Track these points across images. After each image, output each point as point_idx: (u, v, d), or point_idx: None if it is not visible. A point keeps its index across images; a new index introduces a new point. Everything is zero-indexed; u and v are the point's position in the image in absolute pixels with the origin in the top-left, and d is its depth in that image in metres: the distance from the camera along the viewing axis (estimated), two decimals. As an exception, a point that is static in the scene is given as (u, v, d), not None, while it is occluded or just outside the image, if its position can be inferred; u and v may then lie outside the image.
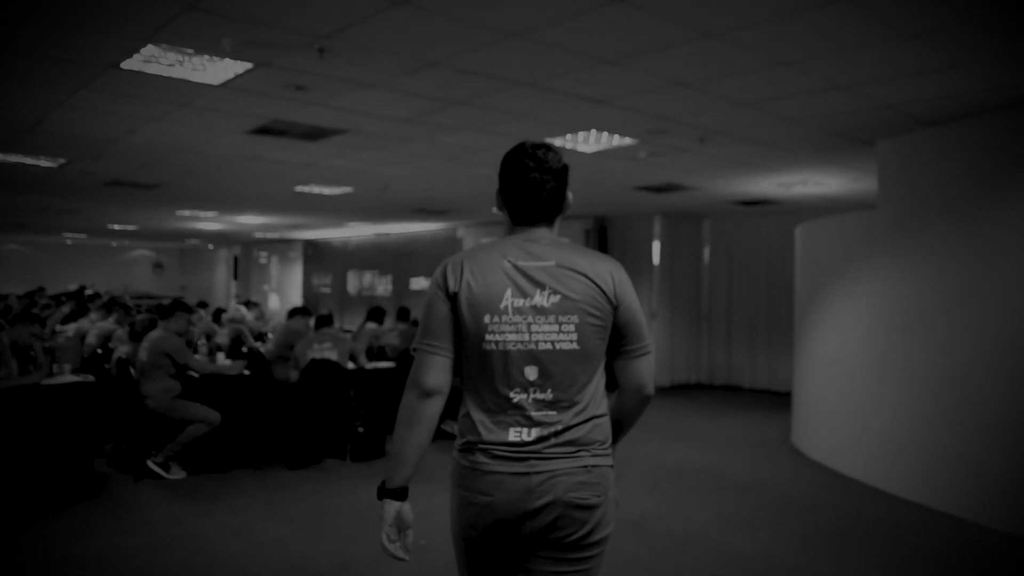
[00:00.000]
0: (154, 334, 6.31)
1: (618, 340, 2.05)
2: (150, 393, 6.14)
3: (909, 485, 5.97)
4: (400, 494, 2.01)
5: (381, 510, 2.02)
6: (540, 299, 1.96)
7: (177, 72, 4.67)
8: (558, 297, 1.96)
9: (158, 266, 27.10)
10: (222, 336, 8.57)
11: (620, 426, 2.13)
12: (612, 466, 2.04)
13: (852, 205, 10.05)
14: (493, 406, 1.97)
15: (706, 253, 13.05)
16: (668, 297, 12.46)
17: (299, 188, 10.00)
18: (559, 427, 1.95)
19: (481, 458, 1.95)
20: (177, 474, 6.18)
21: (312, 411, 6.69)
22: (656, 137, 6.43)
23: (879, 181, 6.47)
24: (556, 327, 1.95)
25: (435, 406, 2.00)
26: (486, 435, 1.96)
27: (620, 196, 10.16)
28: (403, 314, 8.95)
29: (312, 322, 7.39)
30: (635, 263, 12.65)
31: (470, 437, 1.99)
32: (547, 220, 2.11)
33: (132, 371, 6.34)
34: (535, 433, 1.94)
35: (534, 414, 1.95)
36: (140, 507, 5.50)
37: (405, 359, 7.98)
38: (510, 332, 1.95)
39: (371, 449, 7.08)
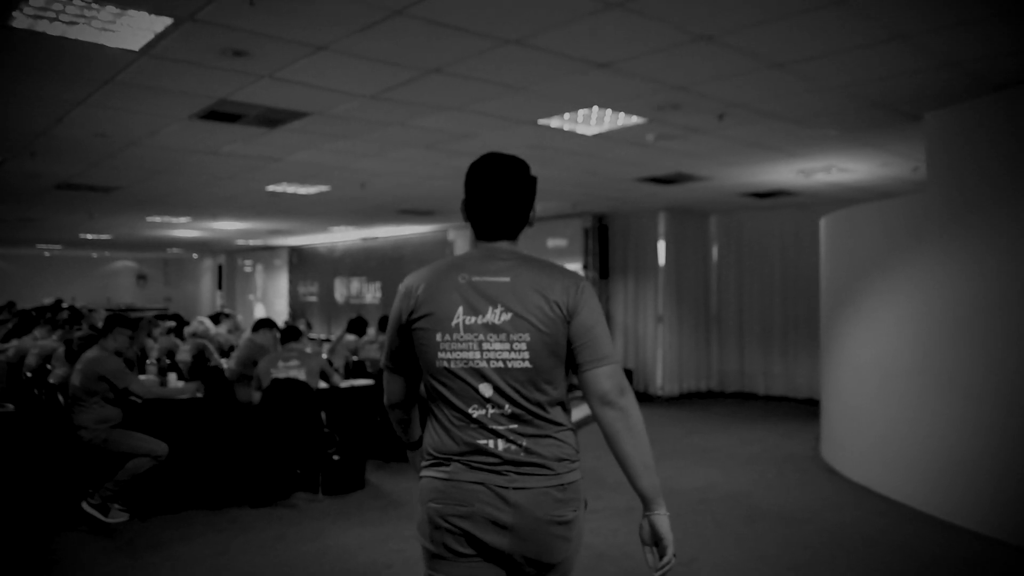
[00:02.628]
0: (89, 354, 5.40)
1: (575, 354, 1.97)
2: (84, 423, 5.23)
3: (973, 514, 5.08)
4: (416, 445, 2.26)
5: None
6: (492, 316, 1.94)
7: (85, 33, 3.79)
8: (510, 315, 1.93)
9: (141, 278, 26.17)
10: (183, 352, 7.67)
11: (620, 454, 1.98)
12: (582, 476, 2.04)
13: (876, 195, 9.18)
14: (456, 420, 1.96)
15: (714, 252, 12.18)
16: (675, 300, 11.57)
17: (271, 188, 9.11)
18: (523, 441, 1.93)
19: (458, 468, 1.94)
20: (117, 517, 5.26)
21: (277, 438, 5.79)
22: (667, 115, 5.55)
23: (928, 160, 5.59)
24: (507, 345, 1.93)
25: (399, 414, 2.21)
26: (460, 446, 1.95)
27: (622, 190, 9.27)
28: (386, 324, 8.05)
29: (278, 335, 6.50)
30: (638, 264, 11.77)
31: (443, 450, 1.98)
32: (508, 234, 2.06)
33: (61, 398, 5.43)
34: (501, 444, 1.93)
35: (496, 427, 1.94)
36: (67, 563, 4.60)
37: (386, 375, 7.08)
38: (461, 350, 1.94)
39: (348, 480, 6.18)
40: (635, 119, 5.70)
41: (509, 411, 1.93)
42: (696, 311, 11.94)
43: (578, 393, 2.11)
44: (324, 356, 8.47)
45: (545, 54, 4.19)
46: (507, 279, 1.96)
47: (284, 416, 5.77)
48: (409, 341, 2.01)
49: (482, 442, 1.93)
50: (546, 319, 1.93)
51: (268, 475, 5.88)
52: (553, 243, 12.14)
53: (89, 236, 16.55)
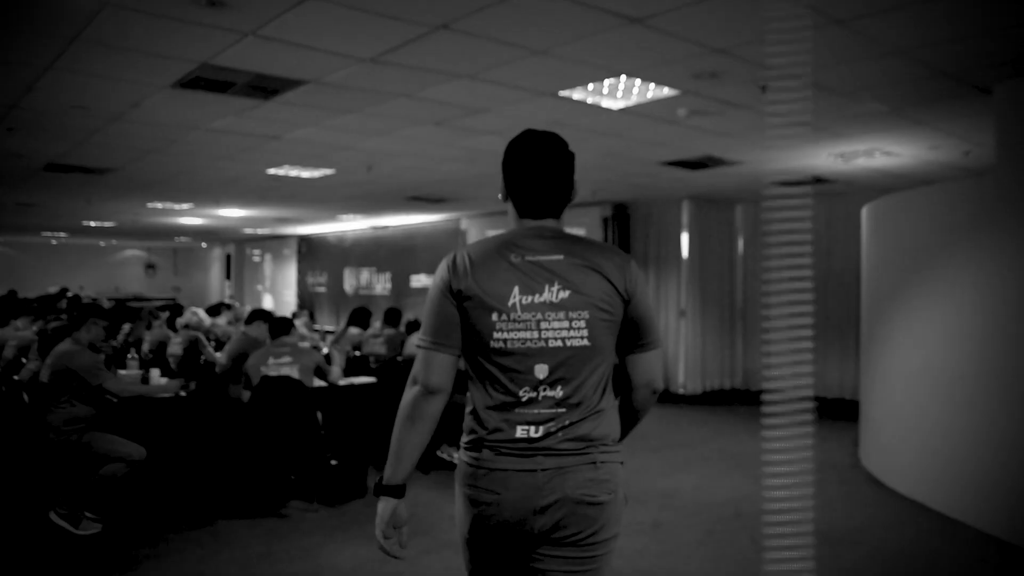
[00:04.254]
0: (60, 347, 4.90)
1: (628, 335, 1.99)
2: (53, 424, 4.74)
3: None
4: (398, 491, 2.01)
5: (377, 506, 2.00)
6: (549, 295, 1.90)
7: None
8: (568, 292, 1.91)
9: (150, 267, 25.77)
10: (175, 345, 7.16)
11: (630, 420, 2.10)
12: (622, 462, 2.01)
13: (916, 183, 8.52)
14: (501, 404, 1.92)
15: (740, 244, 11.56)
16: (699, 293, 10.96)
17: (272, 171, 8.56)
18: (564, 422, 1.91)
19: (487, 454, 1.92)
20: (89, 529, 4.75)
21: (267, 442, 5.26)
22: (704, 85, 4.96)
23: (998, 138, 4.97)
24: (567, 323, 1.89)
25: (437, 404, 1.98)
26: (493, 431, 1.92)
27: (646, 176, 8.67)
28: (392, 317, 7.50)
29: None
30: (661, 256, 11.17)
31: (477, 433, 1.95)
32: (554, 212, 2.02)
33: (26, 396, 4.92)
34: (543, 429, 1.90)
35: (544, 411, 1.90)
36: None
37: (390, 372, 6.54)
38: (519, 330, 1.89)
39: (347, 488, 5.65)
40: (667, 91, 5.11)
41: (560, 394, 1.91)
42: (720, 305, 11.33)
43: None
44: (325, 350, 7.96)
45: (570, 4, 3.61)
46: (560, 256, 1.93)
47: (275, 417, 5.24)
48: (462, 316, 1.93)
49: (521, 429, 1.90)
50: (605, 296, 1.92)
51: (258, 482, 5.36)
52: (570, 232, 11.53)
53: (92, 223, 16.08)
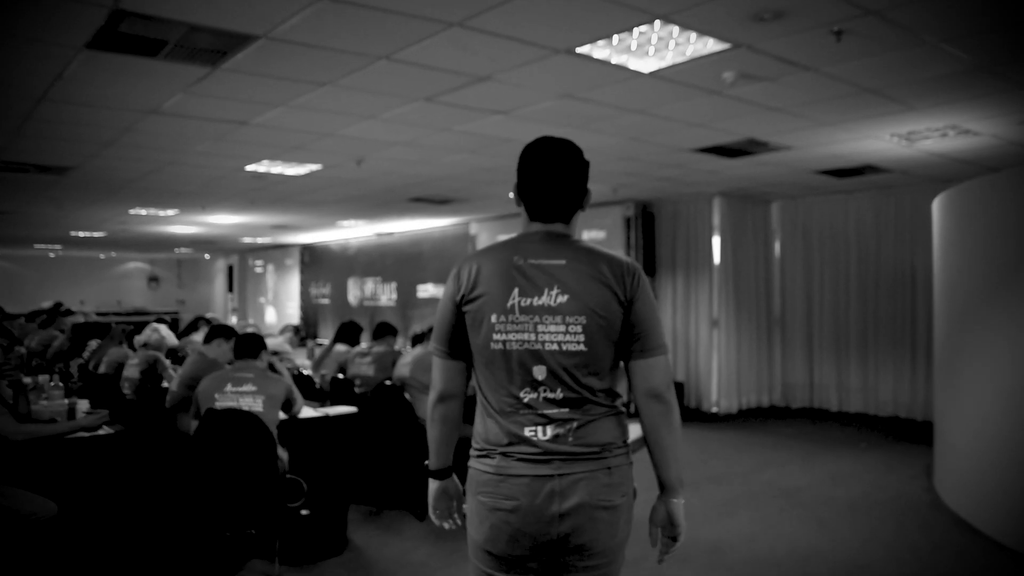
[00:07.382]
0: (-50, 377, 3.89)
1: (628, 341, 1.97)
2: (-61, 475, 3.73)
3: None
4: (440, 475, 2.16)
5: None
6: (547, 299, 1.92)
7: None
8: (566, 297, 1.92)
9: (153, 280, 24.95)
10: (131, 367, 6.14)
11: (656, 445, 1.97)
12: (631, 463, 2.01)
13: (981, 172, 7.40)
14: (507, 407, 1.95)
15: (776, 245, 10.44)
16: (732, 301, 9.83)
17: (251, 167, 7.57)
18: (574, 424, 1.92)
19: (503, 462, 1.94)
20: (-15, 607, 3.74)
21: (216, 489, 4.22)
22: (762, 33, 3.88)
23: None
24: (563, 328, 1.91)
25: (452, 407, 2.10)
26: (505, 437, 1.94)
27: (675, 167, 7.59)
28: (383, 331, 6.44)
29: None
30: (689, 259, 10.05)
31: (489, 440, 1.97)
32: (564, 217, 2.04)
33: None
34: (551, 431, 1.92)
35: (547, 412, 1.92)
36: None
37: (378, 399, 5.50)
38: (516, 332, 1.92)
39: (321, 543, 4.61)
40: (712, 44, 4.04)
41: (560, 395, 1.92)
42: (756, 314, 10.20)
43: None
44: (307, 372, 6.93)
45: None
46: (563, 261, 1.94)
47: (226, 458, 4.19)
48: (464, 323, 1.99)
49: (529, 430, 1.92)
50: (602, 303, 1.92)
51: (204, 540, 4.32)
52: (589, 235, 10.44)
53: (80, 234, 15.16)
